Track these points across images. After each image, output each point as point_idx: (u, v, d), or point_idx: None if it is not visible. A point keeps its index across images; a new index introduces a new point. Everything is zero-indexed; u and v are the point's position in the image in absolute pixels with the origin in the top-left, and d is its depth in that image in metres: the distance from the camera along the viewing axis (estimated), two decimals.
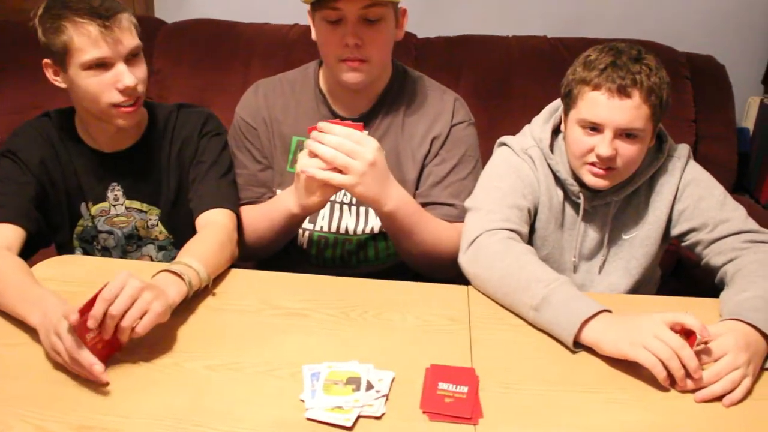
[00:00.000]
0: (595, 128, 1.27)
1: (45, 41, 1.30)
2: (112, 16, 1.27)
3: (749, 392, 1.04)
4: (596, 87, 1.25)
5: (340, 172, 1.25)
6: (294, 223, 1.44)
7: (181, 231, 1.51)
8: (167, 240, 1.54)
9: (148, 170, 1.48)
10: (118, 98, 1.32)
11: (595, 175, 1.31)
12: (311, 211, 1.40)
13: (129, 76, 1.30)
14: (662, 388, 1.04)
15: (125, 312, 1.01)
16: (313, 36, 1.45)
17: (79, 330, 0.98)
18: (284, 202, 1.38)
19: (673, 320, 1.06)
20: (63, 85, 1.35)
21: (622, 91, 1.23)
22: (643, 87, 1.23)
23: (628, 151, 1.27)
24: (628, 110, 1.24)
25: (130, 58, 1.32)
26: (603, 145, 1.26)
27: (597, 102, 1.25)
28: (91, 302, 0.99)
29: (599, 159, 1.28)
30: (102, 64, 1.29)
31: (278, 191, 1.55)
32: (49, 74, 1.35)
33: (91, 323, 0.98)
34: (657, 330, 1.04)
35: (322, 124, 1.24)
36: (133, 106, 1.35)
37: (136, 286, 1.03)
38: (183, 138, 1.49)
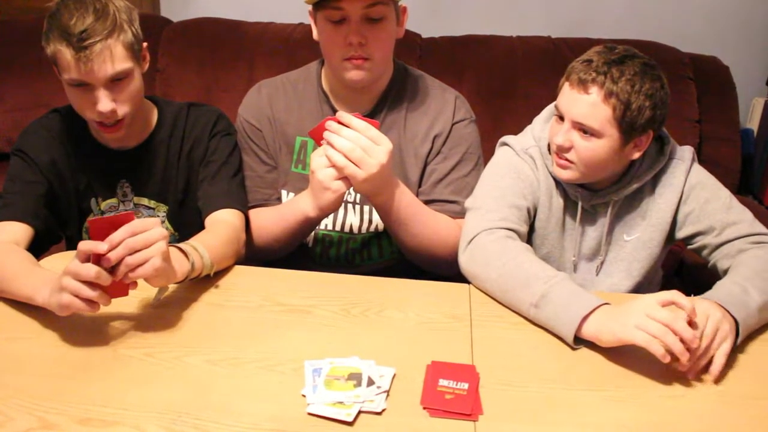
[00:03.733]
0: (560, 117, 1.31)
1: (43, 44, 1.30)
2: (88, 46, 1.24)
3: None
4: (567, 77, 1.29)
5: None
6: (309, 226, 1.44)
7: (187, 229, 1.51)
8: (173, 237, 1.54)
9: (157, 168, 1.48)
10: (99, 118, 1.32)
11: (556, 163, 1.34)
12: (327, 213, 1.41)
13: (104, 103, 1.29)
14: (660, 386, 1.05)
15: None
16: (315, 36, 1.45)
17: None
18: (300, 206, 1.39)
19: (665, 299, 1.07)
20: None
21: (582, 85, 1.25)
22: (604, 87, 1.24)
23: (582, 147, 1.28)
24: (583, 105, 1.26)
25: (113, 82, 1.30)
26: (560, 133, 1.30)
27: (564, 92, 1.30)
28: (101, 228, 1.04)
29: (555, 146, 1.31)
30: (81, 84, 1.29)
31: (283, 191, 1.55)
32: (56, 71, 1.35)
33: (106, 242, 1.02)
34: (648, 309, 1.06)
35: (341, 114, 1.26)
36: (116, 127, 1.35)
37: (158, 234, 1.06)
38: (193, 137, 1.49)
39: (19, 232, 1.32)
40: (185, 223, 1.52)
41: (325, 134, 1.26)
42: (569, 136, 1.29)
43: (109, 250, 1.02)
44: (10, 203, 1.36)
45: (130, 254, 1.04)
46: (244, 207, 1.48)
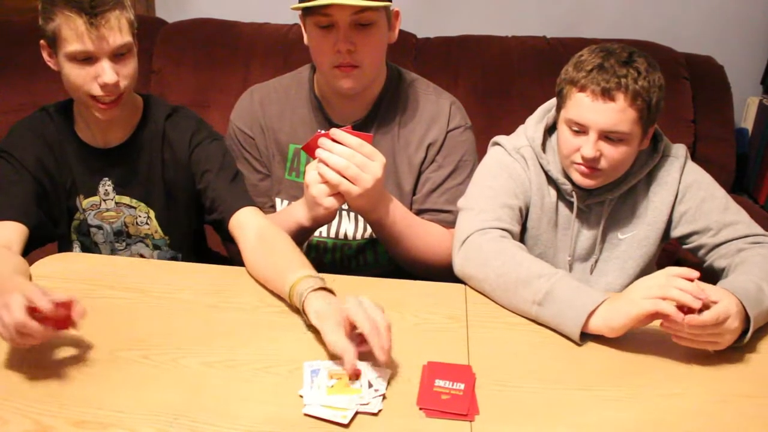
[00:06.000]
0: (581, 129, 1.28)
1: (40, 24, 1.32)
2: (100, 13, 1.27)
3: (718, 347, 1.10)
4: (582, 88, 1.26)
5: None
6: (304, 235, 1.44)
7: (175, 233, 1.52)
8: (162, 240, 1.54)
9: (139, 167, 1.48)
10: (98, 92, 1.33)
11: (582, 174, 1.32)
12: (321, 224, 1.41)
13: (110, 74, 1.31)
14: (658, 386, 1.05)
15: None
16: (305, 41, 1.43)
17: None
18: (294, 215, 1.38)
19: (668, 284, 1.08)
20: (56, 68, 1.36)
21: (606, 94, 1.24)
22: (629, 90, 1.23)
23: (612, 153, 1.28)
24: (611, 113, 1.24)
25: (117, 56, 1.32)
26: (587, 146, 1.27)
27: (582, 103, 1.26)
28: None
29: (583, 159, 1.29)
30: (87, 58, 1.30)
31: (277, 199, 1.55)
32: (45, 55, 1.36)
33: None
34: (648, 281, 1.11)
35: (334, 131, 1.25)
36: (113, 103, 1.36)
37: None
38: (171, 145, 1.48)
39: (12, 231, 1.32)
40: (173, 225, 1.52)
41: (318, 152, 1.25)
42: (597, 146, 1.27)
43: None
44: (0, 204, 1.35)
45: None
46: (253, 204, 1.45)
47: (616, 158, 1.28)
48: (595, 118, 1.25)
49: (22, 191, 1.38)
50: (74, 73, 1.32)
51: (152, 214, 1.51)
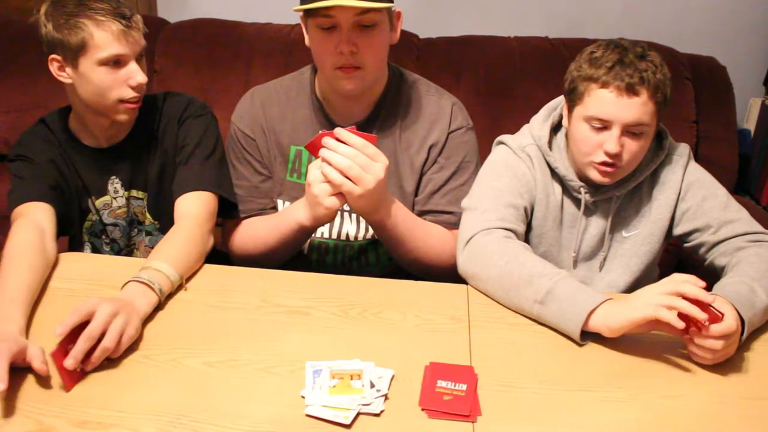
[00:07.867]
0: (604, 125, 1.28)
1: (57, 37, 1.33)
2: (132, 17, 1.35)
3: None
4: (604, 84, 1.26)
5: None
6: (304, 235, 1.44)
7: (166, 217, 1.53)
8: (152, 225, 1.56)
9: (141, 158, 1.51)
10: (129, 94, 1.38)
11: (603, 173, 1.32)
12: (322, 223, 1.41)
13: (141, 74, 1.38)
14: (659, 387, 1.05)
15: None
16: (307, 42, 1.43)
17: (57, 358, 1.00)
18: (294, 215, 1.38)
19: (674, 290, 1.08)
20: (68, 81, 1.38)
21: (631, 89, 1.24)
22: (650, 84, 1.24)
23: (633, 147, 1.29)
24: (636, 107, 1.25)
25: (138, 58, 1.38)
26: (611, 141, 1.27)
27: (605, 99, 1.26)
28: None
29: (607, 155, 1.29)
30: (117, 62, 1.35)
31: (279, 201, 1.55)
32: (54, 69, 1.37)
33: (71, 363, 0.98)
34: (655, 288, 1.10)
35: (338, 130, 1.24)
36: (138, 103, 1.41)
37: (104, 316, 1.03)
38: (165, 125, 1.51)
39: (46, 211, 1.36)
40: (164, 211, 1.53)
41: (322, 151, 1.25)
42: (620, 141, 1.28)
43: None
44: (25, 188, 1.40)
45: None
46: (217, 188, 1.47)
47: (635, 152, 1.30)
48: (619, 113, 1.26)
49: (45, 182, 1.42)
50: (105, 78, 1.35)
51: (143, 196, 1.53)
